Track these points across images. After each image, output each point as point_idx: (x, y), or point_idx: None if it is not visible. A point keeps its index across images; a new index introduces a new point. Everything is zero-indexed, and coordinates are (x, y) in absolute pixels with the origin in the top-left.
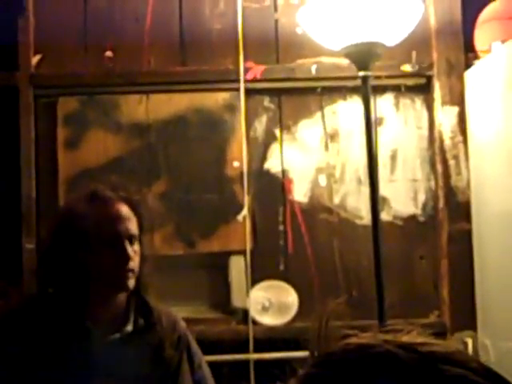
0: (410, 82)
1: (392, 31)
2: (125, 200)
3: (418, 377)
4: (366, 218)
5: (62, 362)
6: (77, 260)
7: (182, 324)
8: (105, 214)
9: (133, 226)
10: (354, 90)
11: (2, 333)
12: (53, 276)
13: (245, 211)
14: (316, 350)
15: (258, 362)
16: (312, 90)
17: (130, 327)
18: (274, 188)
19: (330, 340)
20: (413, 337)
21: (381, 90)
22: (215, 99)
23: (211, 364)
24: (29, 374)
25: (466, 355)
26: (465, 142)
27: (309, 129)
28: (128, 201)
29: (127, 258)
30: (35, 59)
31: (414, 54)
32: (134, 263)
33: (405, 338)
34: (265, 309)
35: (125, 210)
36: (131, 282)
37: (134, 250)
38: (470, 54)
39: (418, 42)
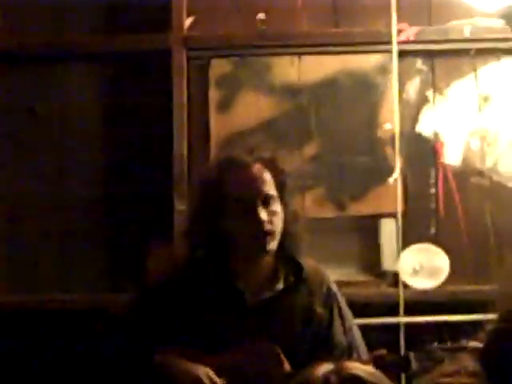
0: None
1: None
2: (260, 161)
3: None
4: None
5: (218, 323)
6: (217, 227)
7: (330, 279)
8: (237, 179)
9: (268, 188)
10: (508, 52)
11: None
12: (200, 241)
13: (396, 174)
14: (504, 308)
15: (408, 326)
16: (465, 51)
17: (280, 285)
18: (425, 150)
19: None
20: None
21: None
22: (367, 61)
23: (361, 327)
24: (187, 334)
25: None
26: None
27: (462, 91)
28: (263, 161)
29: (260, 222)
30: (188, 21)
31: None
32: (271, 225)
33: None
34: (415, 272)
35: (258, 172)
36: (270, 245)
37: (270, 211)
38: None
39: None
